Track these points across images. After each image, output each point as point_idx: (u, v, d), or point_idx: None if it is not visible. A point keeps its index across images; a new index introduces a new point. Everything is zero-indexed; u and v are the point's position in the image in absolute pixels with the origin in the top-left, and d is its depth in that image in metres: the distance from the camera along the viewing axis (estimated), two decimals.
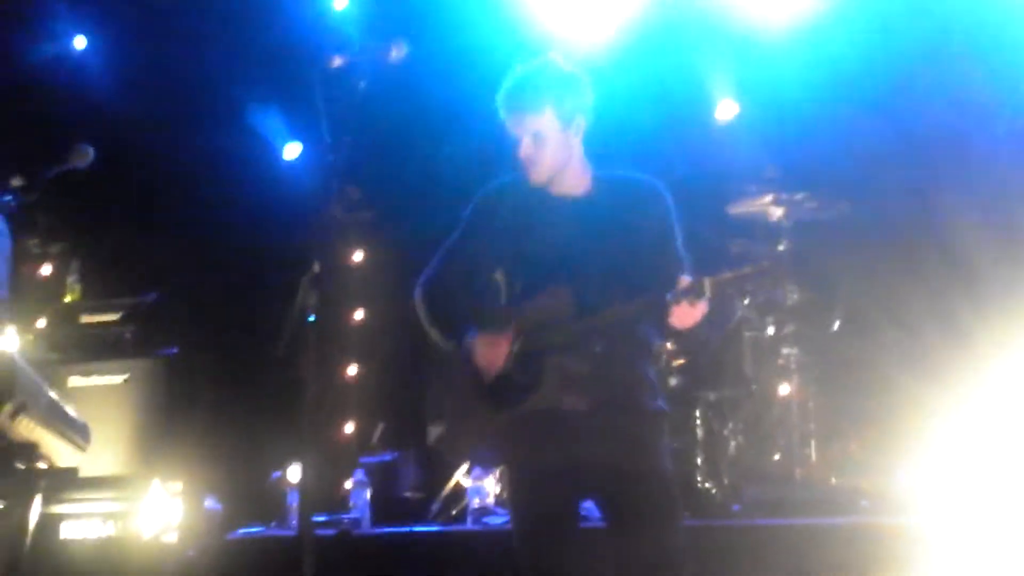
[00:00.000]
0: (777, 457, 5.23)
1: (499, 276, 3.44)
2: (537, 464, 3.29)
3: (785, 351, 5.40)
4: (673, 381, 5.45)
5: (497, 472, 5.00)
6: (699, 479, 5.04)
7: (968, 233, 5.51)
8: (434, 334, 3.48)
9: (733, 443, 5.22)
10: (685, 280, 3.17)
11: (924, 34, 5.79)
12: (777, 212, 5.58)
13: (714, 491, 5.00)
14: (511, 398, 3.28)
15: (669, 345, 5.53)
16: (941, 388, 4.94)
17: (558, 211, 3.40)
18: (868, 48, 5.87)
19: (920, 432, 4.93)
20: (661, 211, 3.40)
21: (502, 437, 3.30)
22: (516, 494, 3.42)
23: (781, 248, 5.55)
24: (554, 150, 3.34)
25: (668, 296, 3.15)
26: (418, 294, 3.49)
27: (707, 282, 3.10)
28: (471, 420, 3.37)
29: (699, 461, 5.09)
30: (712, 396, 5.35)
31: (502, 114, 3.39)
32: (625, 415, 3.26)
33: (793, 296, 5.48)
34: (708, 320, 3.22)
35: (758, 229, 5.72)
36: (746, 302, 5.51)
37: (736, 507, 4.88)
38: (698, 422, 5.18)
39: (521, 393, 3.26)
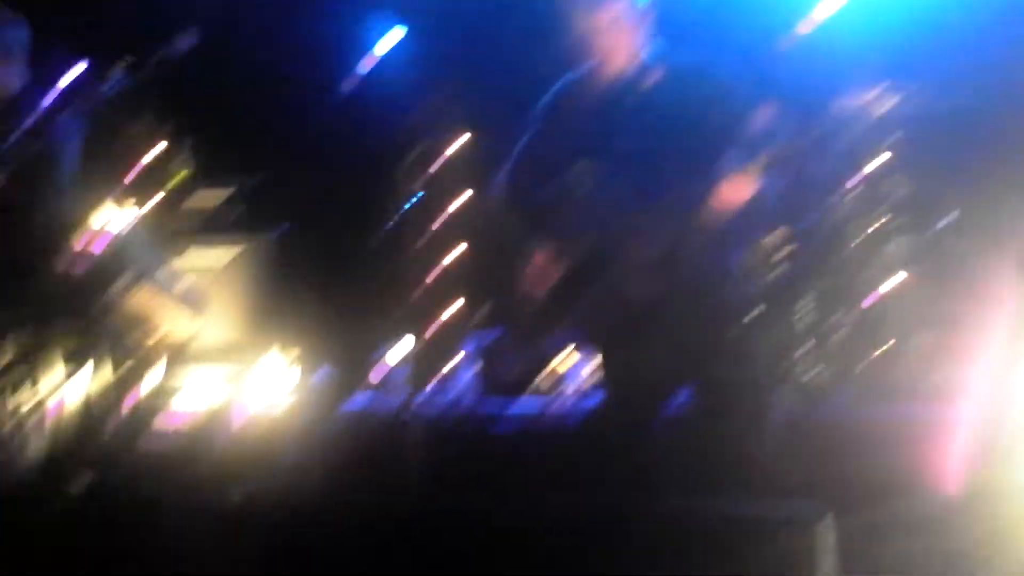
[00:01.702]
0: (876, 351, 5.19)
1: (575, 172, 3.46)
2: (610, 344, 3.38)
3: (890, 245, 5.32)
4: (773, 273, 5.42)
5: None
6: (795, 370, 5.04)
7: None
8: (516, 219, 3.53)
9: (832, 336, 5.19)
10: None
11: None
12: (887, 103, 5.44)
13: (813, 384, 5.00)
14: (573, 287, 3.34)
15: (774, 235, 5.51)
16: None
17: (621, 105, 3.44)
18: None
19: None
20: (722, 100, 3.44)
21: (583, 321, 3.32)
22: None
23: (890, 140, 5.44)
24: (619, 47, 3.40)
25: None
26: (495, 192, 3.57)
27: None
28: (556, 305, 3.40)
29: (796, 353, 5.09)
30: (813, 287, 5.31)
31: None
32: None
33: (902, 188, 5.38)
34: None
35: (867, 122, 5.60)
36: (853, 193, 5.44)
37: (834, 400, 4.88)
38: (797, 315, 5.16)
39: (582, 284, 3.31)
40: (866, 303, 5.29)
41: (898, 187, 5.40)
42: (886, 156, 5.47)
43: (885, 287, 5.27)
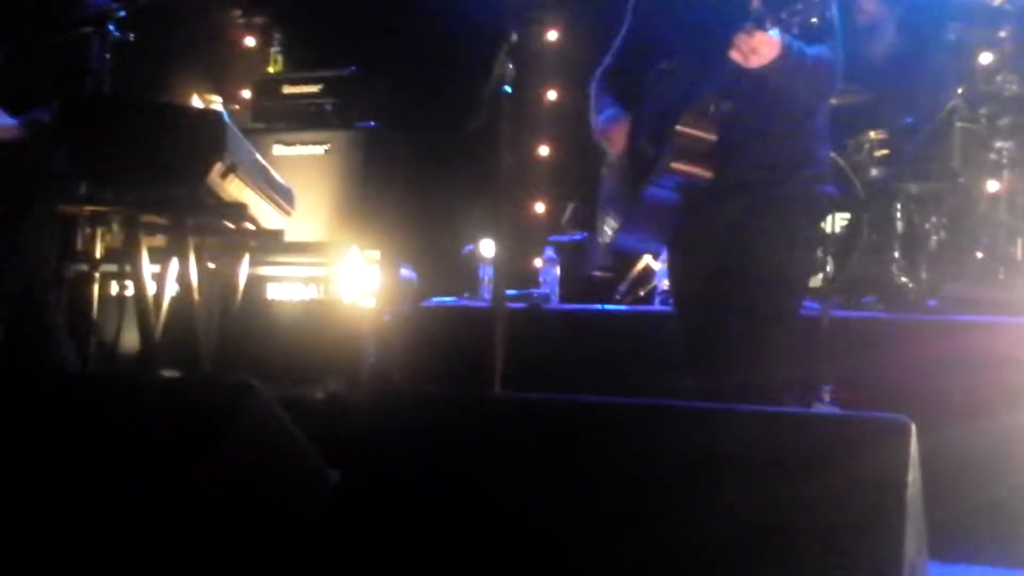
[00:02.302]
0: (980, 255, 5.02)
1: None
2: (676, 242, 3.25)
3: (998, 144, 5.10)
4: (874, 171, 5.27)
5: None
6: (895, 272, 4.91)
7: None
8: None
9: (934, 238, 5.04)
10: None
11: None
12: None
13: (912, 285, 4.87)
14: (642, 173, 3.16)
15: (873, 134, 5.34)
16: None
17: None
18: None
19: None
20: None
21: (643, 215, 3.20)
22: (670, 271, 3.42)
23: (1002, 35, 5.20)
24: None
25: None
26: (591, 88, 3.40)
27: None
28: (618, 203, 3.29)
29: (896, 255, 4.96)
30: (915, 188, 5.15)
31: None
32: (765, 201, 3.08)
33: (1012, 87, 5.15)
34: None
35: (976, 14, 5.37)
36: (960, 91, 5.24)
37: (933, 302, 4.75)
38: (898, 215, 5.01)
39: (649, 168, 3.12)
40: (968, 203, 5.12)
41: (1006, 85, 5.18)
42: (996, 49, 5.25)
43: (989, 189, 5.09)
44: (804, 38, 2.98)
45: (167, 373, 4.06)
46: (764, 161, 3.11)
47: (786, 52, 2.93)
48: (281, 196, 4.48)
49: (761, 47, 2.90)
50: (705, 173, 3.06)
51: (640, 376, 4.40)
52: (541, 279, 5.28)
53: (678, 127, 3.05)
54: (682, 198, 3.12)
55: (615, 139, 3.28)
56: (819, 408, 4.07)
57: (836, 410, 4.02)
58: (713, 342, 3.20)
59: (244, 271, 4.23)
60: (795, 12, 2.86)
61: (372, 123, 5.42)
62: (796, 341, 3.23)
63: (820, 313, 4.31)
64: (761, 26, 2.87)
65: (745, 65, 2.92)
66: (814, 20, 2.90)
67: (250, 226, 4.20)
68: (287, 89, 5.65)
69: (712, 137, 3.04)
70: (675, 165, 3.06)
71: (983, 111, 5.21)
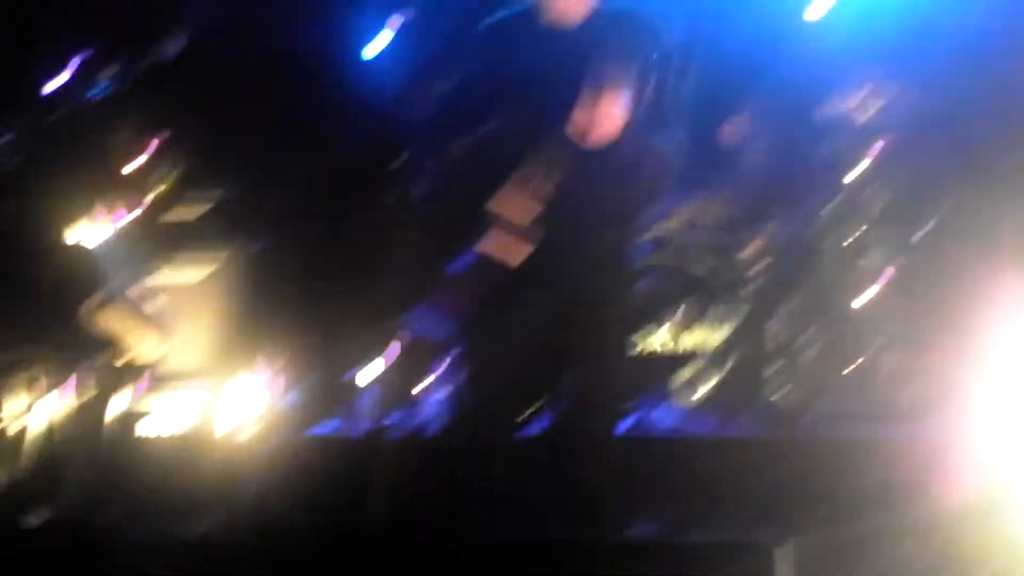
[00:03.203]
0: (855, 367, 5.15)
1: None
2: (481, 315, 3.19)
3: (869, 255, 5.27)
4: (747, 288, 5.39)
5: None
6: (770, 388, 5.01)
7: None
8: None
9: (808, 353, 5.16)
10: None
11: None
12: (868, 112, 5.41)
13: (786, 402, 4.97)
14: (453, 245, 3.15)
15: (746, 250, 5.47)
16: None
17: (547, 42, 3.22)
18: None
19: (1006, 343, 4.82)
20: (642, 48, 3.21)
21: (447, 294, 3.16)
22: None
23: (871, 150, 5.39)
24: None
25: None
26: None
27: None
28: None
29: (771, 370, 5.06)
30: (792, 301, 5.28)
31: None
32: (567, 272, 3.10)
33: (881, 200, 5.33)
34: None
35: (848, 129, 5.56)
36: (830, 204, 5.40)
37: (807, 418, 4.85)
38: (772, 331, 5.13)
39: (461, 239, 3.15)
40: (839, 317, 5.25)
41: (878, 196, 5.35)
42: (866, 163, 5.43)
43: (860, 301, 5.22)
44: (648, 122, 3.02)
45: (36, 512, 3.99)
46: (576, 238, 3.11)
47: (623, 142, 2.99)
48: (159, 325, 4.47)
49: (602, 120, 2.93)
50: (522, 249, 3.05)
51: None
52: (425, 405, 5.23)
53: (496, 203, 3.03)
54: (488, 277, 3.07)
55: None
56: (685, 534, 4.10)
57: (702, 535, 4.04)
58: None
59: (120, 402, 4.20)
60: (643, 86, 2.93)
61: (258, 245, 5.43)
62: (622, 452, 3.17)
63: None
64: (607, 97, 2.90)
65: (581, 140, 2.93)
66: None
67: (126, 357, 4.18)
68: (173, 210, 5.63)
69: (530, 215, 3.03)
70: (489, 242, 3.04)
71: (856, 223, 5.37)
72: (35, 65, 5.72)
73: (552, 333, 3.22)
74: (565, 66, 3.13)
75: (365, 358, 5.12)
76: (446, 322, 3.17)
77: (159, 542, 2.98)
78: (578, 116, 2.93)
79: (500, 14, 3.34)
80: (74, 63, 5.62)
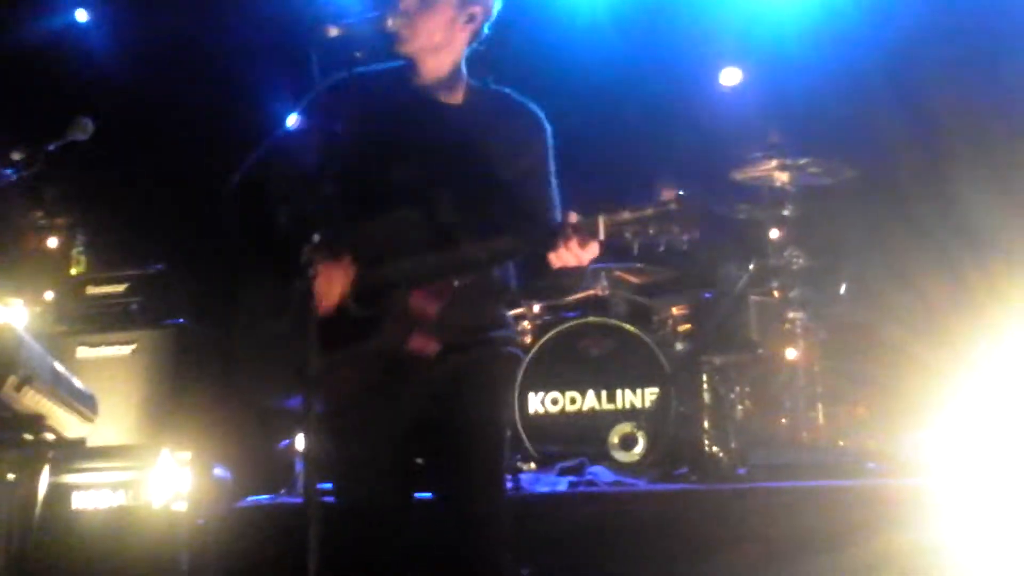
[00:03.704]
0: (784, 421, 5.23)
1: (332, 176, 2.93)
2: (371, 411, 2.97)
3: (791, 315, 5.38)
4: (679, 346, 5.46)
5: None
6: (706, 443, 5.04)
7: (974, 198, 5.51)
8: (245, 240, 3.13)
9: (740, 407, 5.22)
10: (574, 216, 2.80)
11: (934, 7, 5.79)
12: (782, 177, 5.56)
13: (721, 455, 5.00)
14: (348, 336, 2.89)
15: (675, 310, 5.55)
16: (948, 351, 4.94)
17: (423, 113, 3.03)
18: (875, 17, 5.86)
19: (927, 395, 4.93)
20: (540, 142, 3.08)
21: (334, 379, 2.88)
22: (341, 441, 3.02)
23: (786, 213, 5.53)
24: (435, 25, 2.98)
25: (554, 231, 2.79)
26: (231, 188, 3.11)
27: (601, 221, 2.76)
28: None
29: (705, 425, 5.09)
30: (718, 360, 5.33)
31: None
32: (474, 361, 2.98)
33: (798, 261, 5.46)
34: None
35: (763, 195, 5.71)
36: (751, 266, 5.51)
37: (742, 470, 4.88)
38: (704, 387, 5.18)
39: (360, 331, 2.90)
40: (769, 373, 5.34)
41: (793, 259, 5.47)
42: (782, 226, 5.56)
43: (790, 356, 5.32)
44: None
45: None
46: (470, 326, 3.02)
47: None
48: (82, 402, 4.35)
49: (586, 256, 2.80)
50: (434, 347, 2.93)
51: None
52: None
53: (412, 298, 2.89)
54: (383, 366, 2.93)
55: (329, 292, 2.89)
56: None
57: None
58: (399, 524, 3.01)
59: (44, 481, 4.06)
60: (639, 231, 2.78)
61: (179, 320, 5.35)
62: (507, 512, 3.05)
63: None
64: (594, 235, 2.76)
65: (554, 263, 2.82)
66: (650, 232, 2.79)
67: (50, 436, 4.06)
68: (91, 289, 5.54)
69: (437, 309, 2.92)
70: (413, 339, 2.89)
71: (775, 284, 5.49)
72: None
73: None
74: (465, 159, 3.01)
75: (293, 428, 5.04)
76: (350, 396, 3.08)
77: None
78: (570, 245, 2.78)
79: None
80: None
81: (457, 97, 3.08)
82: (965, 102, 5.73)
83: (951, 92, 5.73)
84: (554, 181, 3.08)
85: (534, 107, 3.12)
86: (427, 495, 3.08)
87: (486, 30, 3.10)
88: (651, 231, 2.75)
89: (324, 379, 2.85)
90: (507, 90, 3.14)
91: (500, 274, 3.04)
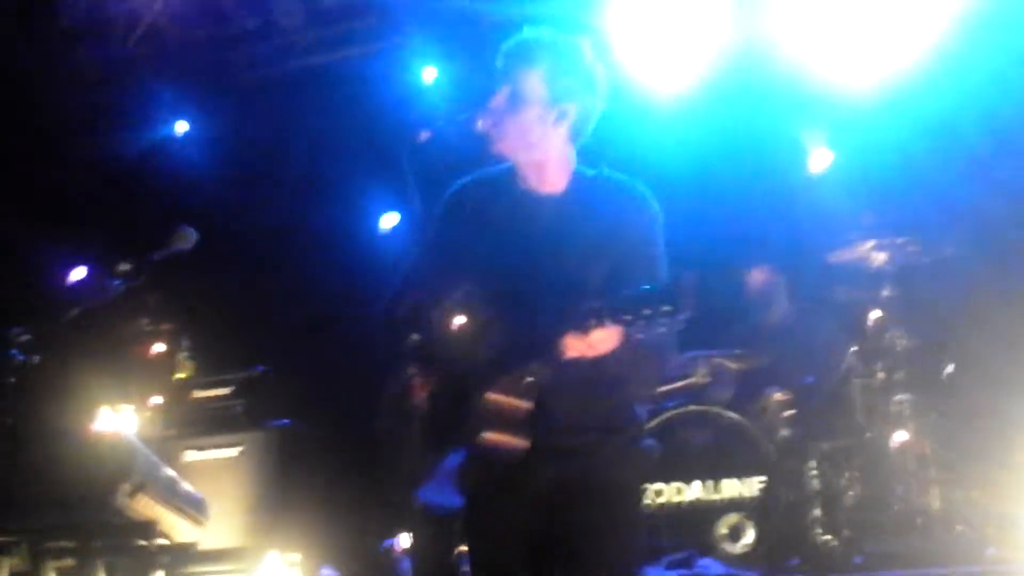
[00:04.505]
0: (897, 507, 5.08)
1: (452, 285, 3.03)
2: (484, 509, 2.98)
3: (898, 398, 5.26)
4: (784, 432, 5.36)
5: None
6: (817, 531, 4.93)
7: None
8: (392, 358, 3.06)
9: (851, 493, 5.09)
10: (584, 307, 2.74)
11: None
12: (879, 258, 5.49)
13: (833, 544, 4.88)
14: (444, 433, 2.94)
15: (777, 396, 5.46)
16: None
17: (522, 211, 3.03)
18: (960, 98, 5.82)
19: None
20: (644, 220, 3.02)
21: (445, 475, 2.94)
22: (473, 539, 3.07)
23: (886, 293, 5.46)
24: (524, 124, 2.98)
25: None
26: (385, 318, 3.10)
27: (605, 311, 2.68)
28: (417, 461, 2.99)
29: (816, 513, 4.99)
30: (826, 446, 5.24)
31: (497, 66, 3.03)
32: (572, 460, 2.93)
33: (902, 341, 5.36)
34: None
35: (861, 277, 5.65)
36: (853, 348, 5.42)
37: (858, 559, 4.76)
38: (813, 473, 5.08)
39: (454, 428, 2.92)
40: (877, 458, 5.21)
41: (896, 340, 5.38)
42: (884, 307, 5.48)
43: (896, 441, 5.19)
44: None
45: None
46: (577, 426, 2.97)
47: (624, 344, 2.78)
48: (193, 507, 4.42)
49: (599, 343, 2.76)
50: (518, 443, 2.89)
51: None
52: (461, 569, 5.14)
53: (490, 395, 2.88)
54: (489, 466, 2.92)
55: (418, 387, 2.99)
56: None
57: None
58: None
59: None
60: (639, 316, 2.68)
61: (284, 421, 5.41)
62: None
63: None
64: (600, 322, 2.71)
65: (581, 356, 2.78)
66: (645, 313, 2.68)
67: (161, 541, 4.12)
68: (197, 394, 5.65)
69: (526, 406, 2.88)
70: (487, 436, 2.88)
71: (878, 366, 5.38)
72: (52, 266, 5.83)
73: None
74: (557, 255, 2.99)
75: (394, 529, 5.04)
76: (454, 496, 3.09)
77: None
78: (572, 339, 2.75)
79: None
80: (91, 260, 5.72)
81: (558, 187, 3.07)
82: None
83: None
84: (662, 262, 3.01)
85: (639, 187, 3.08)
86: None
87: (589, 127, 3.09)
88: (646, 312, 2.66)
89: (457, 477, 2.92)
90: (613, 175, 3.11)
91: (609, 368, 2.92)
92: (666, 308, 2.65)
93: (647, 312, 2.66)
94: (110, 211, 6.93)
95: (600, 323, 2.70)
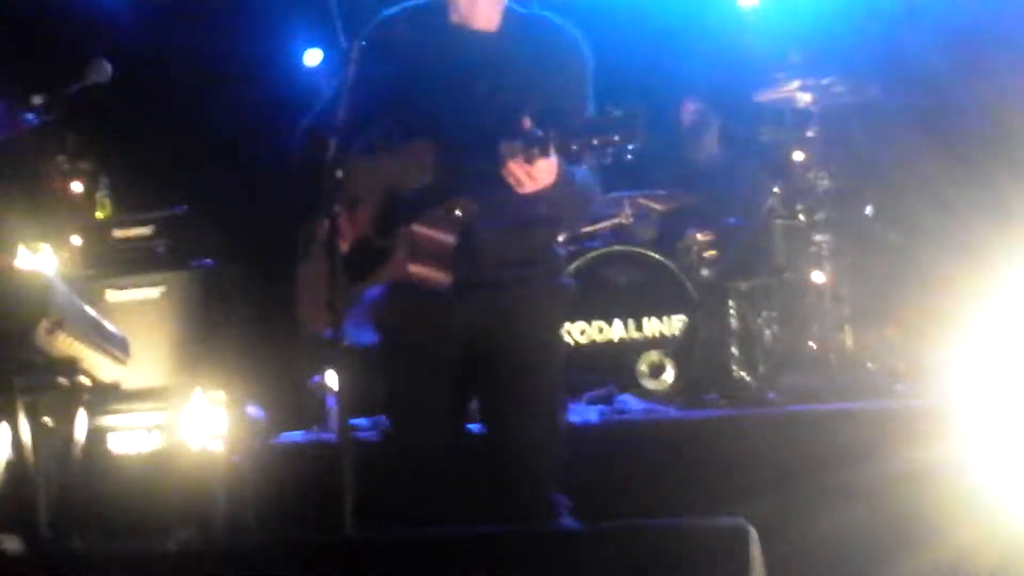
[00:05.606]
0: (812, 344, 5.21)
1: (377, 119, 3.00)
2: (417, 344, 3.00)
3: (817, 238, 5.32)
4: (704, 272, 5.44)
5: None
6: (734, 368, 5.05)
7: (1010, 110, 5.43)
8: (305, 186, 3.02)
9: (767, 332, 5.22)
10: (526, 121, 2.72)
11: None
12: (805, 98, 5.49)
13: (749, 380, 5.02)
14: (369, 268, 2.93)
15: (700, 236, 5.52)
16: (979, 269, 4.90)
17: (455, 44, 2.99)
18: None
19: (957, 314, 4.91)
20: (576, 64, 3.00)
21: (361, 311, 2.96)
22: (389, 373, 3.13)
23: (810, 135, 5.47)
24: None
25: (501, 149, 2.73)
26: (300, 140, 3.07)
27: (553, 131, 2.66)
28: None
29: (733, 351, 5.11)
30: (744, 286, 5.34)
31: None
32: (519, 295, 2.97)
33: (823, 182, 5.40)
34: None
35: (786, 117, 5.66)
36: (776, 190, 5.46)
37: (771, 395, 4.90)
38: (731, 312, 5.18)
39: (378, 262, 2.92)
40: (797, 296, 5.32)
41: (818, 181, 5.42)
42: (807, 148, 5.50)
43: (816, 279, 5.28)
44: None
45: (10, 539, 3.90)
46: (504, 260, 3.00)
47: (560, 179, 2.79)
48: (115, 345, 4.39)
49: (540, 174, 2.75)
50: (443, 277, 2.91)
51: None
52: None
53: (416, 228, 2.88)
54: (412, 299, 2.95)
55: (345, 223, 2.93)
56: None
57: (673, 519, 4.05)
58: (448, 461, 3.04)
59: (82, 426, 4.12)
60: (587, 145, 2.68)
61: (207, 261, 5.37)
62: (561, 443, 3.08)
63: None
64: (544, 152, 2.69)
65: (516, 189, 2.78)
66: (594, 144, 2.68)
67: (84, 380, 4.11)
68: (118, 233, 5.56)
69: (451, 240, 2.90)
70: (412, 268, 2.89)
71: (799, 207, 5.44)
72: None
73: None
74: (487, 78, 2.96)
75: (324, 364, 5.06)
76: (391, 329, 3.10)
77: (134, 560, 2.92)
78: (512, 167, 2.72)
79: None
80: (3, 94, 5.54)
81: (492, 24, 3.02)
82: (999, 10, 5.62)
83: (983, 20, 5.63)
84: (590, 105, 2.99)
85: (573, 31, 3.05)
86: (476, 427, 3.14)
87: None
88: (595, 142, 2.65)
89: (373, 312, 2.94)
90: (547, 14, 3.07)
91: (539, 204, 2.92)
92: (615, 138, 2.63)
93: (596, 142, 2.64)
94: (22, 44, 6.68)
95: (545, 151, 2.67)
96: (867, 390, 4.82)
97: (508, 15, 3.04)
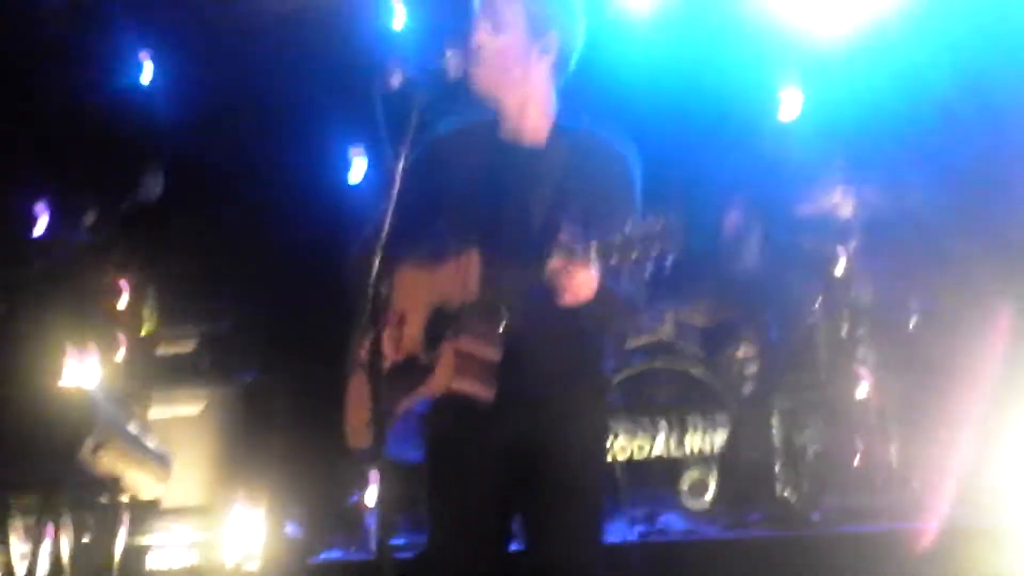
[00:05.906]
0: (856, 462, 5.13)
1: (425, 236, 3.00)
2: (446, 458, 2.99)
3: (861, 352, 5.28)
4: (746, 388, 5.40)
5: None
6: (777, 487, 4.98)
7: None
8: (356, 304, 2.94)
9: (811, 449, 5.14)
10: (564, 235, 2.71)
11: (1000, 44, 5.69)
12: (846, 209, 5.48)
13: (793, 499, 4.94)
14: (411, 382, 2.92)
15: (742, 352, 5.49)
16: None
17: (504, 161, 3.00)
18: (936, 53, 5.78)
19: (1006, 430, 4.82)
20: (626, 178, 2.99)
21: (407, 426, 2.96)
22: (428, 492, 3.07)
23: (852, 245, 5.45)
24: (510, 55, 2.95)
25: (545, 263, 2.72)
26: (353, 269, 3.00)
27: (592, 244, 2.65)
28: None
29: (776, 469, 5.04)
30: (787, 401, 5.28)
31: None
32: (540, 409, 2.93)
33: (866, 294, 5.37)
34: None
35: (828, 228, 5.64)
36: (817, 302, 5.43)
37: (815, 515, 4.81)
38: (774, 430, 5.12)
39: (422, 377, 2.91)
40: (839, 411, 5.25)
41: (861, 294, 5.39)
42: (848, 259, 5.47)
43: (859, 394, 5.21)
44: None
45: None
46: (548, 374, 2.96)
47: (601, 292, 2.77)
48: (156, 463, 4.43)
49: (580, 288, 2.73)
50: (487, 392, 2.88)
51: None
52: None
53: (461, 342, 2.87)
54: (455, 415, 2.93)
55: (391, 338, 2.94)
56: None
57: None
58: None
59: (121, 543, 4.14)
60: (622, 257, 2.66)
61: (250, 375, 5.40)
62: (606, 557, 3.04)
63: None
64: (583, 264, 2.68)
65: (556, 301, 2.76)
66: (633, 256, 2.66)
67: (125, 498, 4.14)
68: (162, 348, 5.62)
69: (496, 355, 2.87)
70: (456, 384, 2.88)
71: (843, 320, 5.39)
72: (17, 213, 5.76)
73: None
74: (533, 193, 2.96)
75: (360, 483, 5.06)
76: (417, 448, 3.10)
77: None
78: (553, 274, 2.73)
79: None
80: (56, 208, 5.66)
81: (540, 138, 3.03)
82: None
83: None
84: (637, 216, 2.87)
85: (620, 144, 3.04)
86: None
87: (571, 61, 3.05)
88: (635, 255, 2.64)
89: (418, 426, 2.94)
90: (594, 128, 3.06)
91: (582, 318, 2.89)
92: (654, 251, 2.62)
93: (635, 255, 2.63)
94: (75, 155, 6.84)
95: (584, 264, 2.67)
96: (913, 509, 4.72)
97: (556, 130, 3.05)
